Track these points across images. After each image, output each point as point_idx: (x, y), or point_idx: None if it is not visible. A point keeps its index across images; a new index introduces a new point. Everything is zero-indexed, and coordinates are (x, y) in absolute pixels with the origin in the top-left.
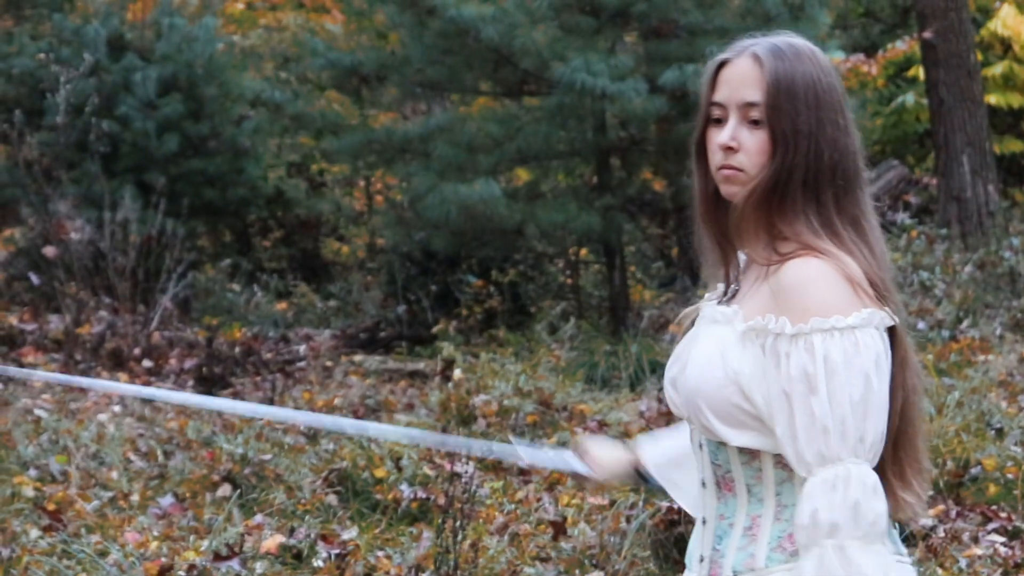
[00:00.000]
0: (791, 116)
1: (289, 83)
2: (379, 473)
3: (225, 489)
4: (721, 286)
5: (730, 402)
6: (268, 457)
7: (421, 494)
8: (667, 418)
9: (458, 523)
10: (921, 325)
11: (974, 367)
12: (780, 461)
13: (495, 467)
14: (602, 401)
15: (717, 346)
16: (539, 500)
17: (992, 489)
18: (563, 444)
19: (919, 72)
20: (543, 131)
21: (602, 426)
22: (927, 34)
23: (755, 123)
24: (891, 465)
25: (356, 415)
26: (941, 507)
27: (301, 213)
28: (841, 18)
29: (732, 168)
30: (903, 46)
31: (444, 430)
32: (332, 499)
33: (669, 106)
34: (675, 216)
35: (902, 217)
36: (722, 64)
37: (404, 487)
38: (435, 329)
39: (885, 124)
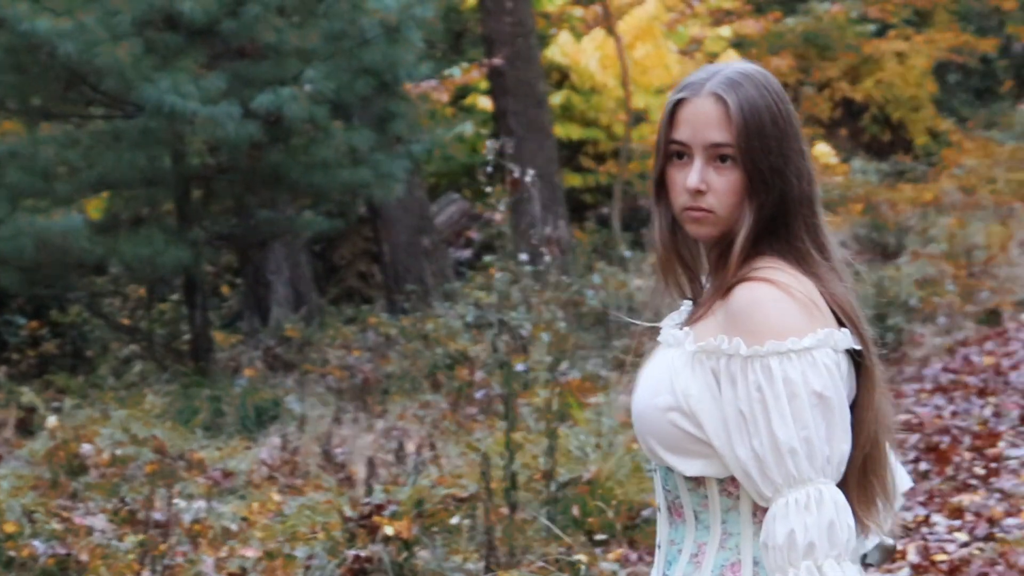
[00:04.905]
0: (764, 153)
1: None
2: (8, 528)
3: None
4: (680, 312)
5: (676, 426)
6: None
7: (60, 549)
8: (291, 467)
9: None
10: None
11: (593, 408)
12: (726, 489)
13: (131, 520)
14: (218, 449)
15: (667, 370)
16: (185, 554)
17: None
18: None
19: (476, 100)
20: (126, 157)
21: (226, 475)
22: (497, 60)
23: (722, 163)
24: (856, 487)
25: None
26: (620, 551)
27: None
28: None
29: (702, 210)
30: (475, 74)
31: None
32: None
33: (262, 131)
34: (257, 250)
35: (465, 254)
36: (678, 102)
37: (37, 543)
38: None
39: (443, 155)
